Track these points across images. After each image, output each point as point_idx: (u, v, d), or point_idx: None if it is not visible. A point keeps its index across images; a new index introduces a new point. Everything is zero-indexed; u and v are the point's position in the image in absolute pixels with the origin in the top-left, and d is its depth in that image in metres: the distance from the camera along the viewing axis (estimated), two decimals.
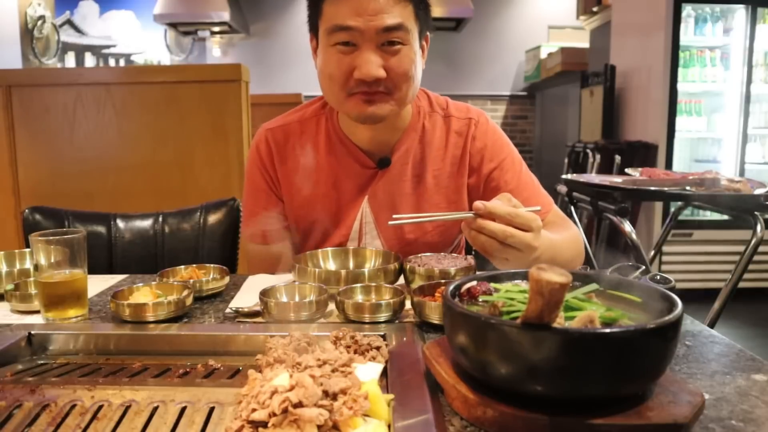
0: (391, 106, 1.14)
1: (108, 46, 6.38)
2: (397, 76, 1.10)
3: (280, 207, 1.30)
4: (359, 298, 0.95)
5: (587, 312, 0.60)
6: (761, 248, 2.28)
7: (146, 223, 1.56)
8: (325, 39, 1.11)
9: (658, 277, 0.89)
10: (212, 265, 1.12)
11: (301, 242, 1.33)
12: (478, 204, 0.89)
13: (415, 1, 1.11)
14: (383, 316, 0.88)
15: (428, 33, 1.19)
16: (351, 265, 1.17)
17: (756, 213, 2.24)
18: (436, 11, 5.30)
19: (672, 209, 3.36)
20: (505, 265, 0.91)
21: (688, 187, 2.33)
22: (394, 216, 0.95)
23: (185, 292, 0.94)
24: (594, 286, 0.69)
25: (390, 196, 1.24)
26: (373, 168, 1.25)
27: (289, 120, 1.30)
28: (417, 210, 1.25)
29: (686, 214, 3.64)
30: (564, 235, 1.18)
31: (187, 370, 0.79)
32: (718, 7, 3.93)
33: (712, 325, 2.24)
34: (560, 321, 0.60)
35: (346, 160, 1.25)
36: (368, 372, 0.66)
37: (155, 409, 0.67)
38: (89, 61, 6.36)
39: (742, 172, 3.97)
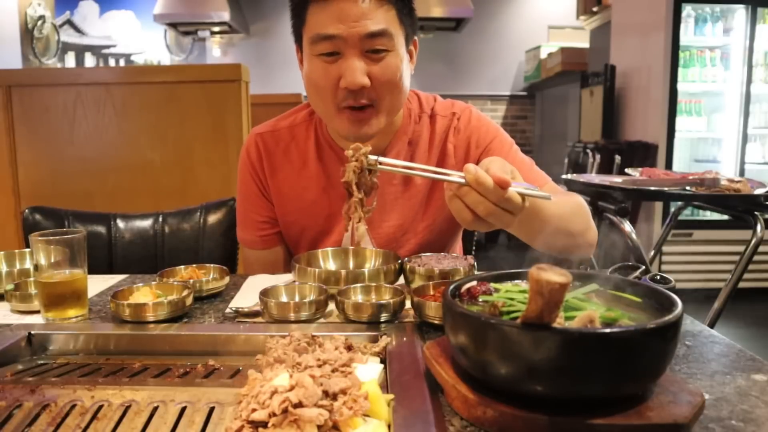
0: (380, 122, 1.12)
1: (108, 46, 6.38)
2: (382, 85, 1.08)
3: (273, 211, 1.29)
4: (359, 298, 0.95)
5: (587, 312, 0.60)
6: (761, 248, 2.28)
7: (146, 223, 1.56)
8: (309, 48, 1.10)
9: (658, 277, 0.89)
10: (212, 265, 1.12)
11: (293, 247, 1.32)
12: (470, 167, 0.77)
13: (398, 5, 1.08)
14: (383, 316, 0.88)
15: (416, 37, 1.17)
16: (351, 265, 1.17)
17: (756, 213, 2.24)
18: (436, 11, 5.29)
19: (672, 209, 3.36)
20: (482, 227, 0.82)
21: (688, 187, 2.32)
22: (380, 160, 0.84)
23: (185, 292, 0.94)
24: (594, 286, 0.69)
25: (381, 200, 1.23)
26: None
27: (279, 126, 1.29)
28: (406, 213, 1.24)
29: (686, 214, 3.64)
30: (558, 197, 1.06)
31: (187, 370, 0.79)
32: (718, 7, 3.93)
33: (712, 325, 2.23)
34: (560, 321, 0.60)
35: (336, 166, 1.24)
36: (368, 372, 0.66)
37: (155, 409, 0.67)
38: (89, 61, 6.36)
39: (742, 172, 3.97)
